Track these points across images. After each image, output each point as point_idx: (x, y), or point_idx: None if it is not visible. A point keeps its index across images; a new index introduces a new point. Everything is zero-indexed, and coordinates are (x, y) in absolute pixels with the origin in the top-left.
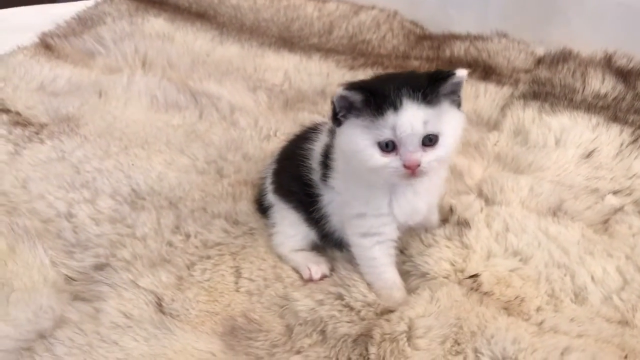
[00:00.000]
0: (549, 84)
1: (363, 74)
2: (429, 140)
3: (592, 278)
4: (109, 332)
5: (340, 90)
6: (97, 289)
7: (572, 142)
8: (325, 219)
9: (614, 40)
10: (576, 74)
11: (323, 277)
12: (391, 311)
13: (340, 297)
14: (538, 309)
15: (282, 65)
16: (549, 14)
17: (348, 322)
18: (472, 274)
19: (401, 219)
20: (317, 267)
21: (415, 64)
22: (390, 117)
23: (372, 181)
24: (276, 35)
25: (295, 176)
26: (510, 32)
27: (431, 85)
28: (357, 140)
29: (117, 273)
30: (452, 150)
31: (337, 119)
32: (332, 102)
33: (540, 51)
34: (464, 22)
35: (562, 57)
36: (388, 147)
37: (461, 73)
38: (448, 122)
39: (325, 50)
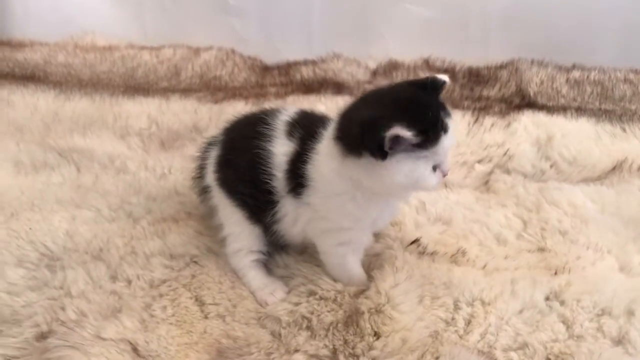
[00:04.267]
0: None
1: (229, 106)
2: None
3: (501, 224)
4: None
5: (394, 131)
6: (54, 355)
7: None
8: (277, 223)
9: (422, 48)
10: (410, 77)
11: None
12: (364, 290)
13: (312, 293)
14: (477, 257)
15: (143, 110)
16: (365, 36)
17: (329, 311)
18: (412, 240)
19: (381, 227)
20: (272, 297)
21: (273, 91)
22: (445, 141)
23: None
24: (122, 84)
25: (246, 179)
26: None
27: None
28: (419, 171)
29: (74, 331)
30: None
31: (382, 152)
32: (378, 138)
33: (372, 64)
34: (291, 53)
35: (392, 66)
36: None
37: (444, 77)
38: None
39: (180, 90)
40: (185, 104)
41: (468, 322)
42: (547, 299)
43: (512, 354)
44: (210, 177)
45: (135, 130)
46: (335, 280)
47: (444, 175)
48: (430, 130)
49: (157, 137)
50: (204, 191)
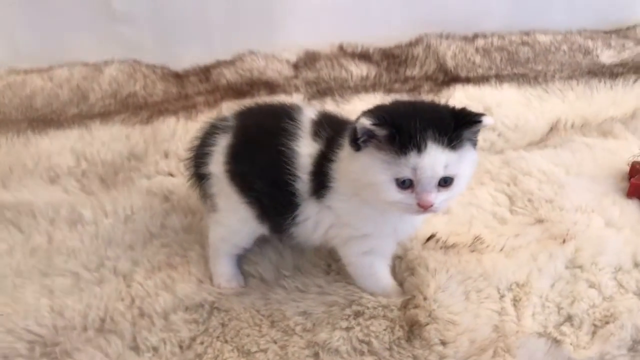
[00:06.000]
0: (322, 81)
1: (162, 125)
2: (444, 182)
3: (490, 202)
4: None
5: (365, 123)
6: None
7: None
8: (295, 226)
9: (329, 34)
10: (334, 67)
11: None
12: (408, 300)
13: (358, 313)
14: (493, 241)
15: (63, 145)
16: (268, 29)
17: (385, 329)
18: (427, 237)
19: (404, 238)
20: (228, 284)
21: (201, 100)
22: (412, 158)
23: (380, 208)
24: (23, 119)
25: (265, 175)
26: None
27: (457, 129)
28: (376, 173)
29: None
30: (464, 188)
31: (356, 144)
32: (354, 129)
33: (291, 58)
34: (194, 56)
35: (312, 58)
36: (405, 184)
37: (488, 121)
38: (466, 164)
39: (97, 115)
40: (111, 130)
41: (515, 308)
42: (566, 267)
43: (564, 329)
44: (217, 167)
45: (63, 171)
46: (372, 294)
47: (419, 204)
48: (400, 136)
49: (94, 174)
50: (200, 177)
